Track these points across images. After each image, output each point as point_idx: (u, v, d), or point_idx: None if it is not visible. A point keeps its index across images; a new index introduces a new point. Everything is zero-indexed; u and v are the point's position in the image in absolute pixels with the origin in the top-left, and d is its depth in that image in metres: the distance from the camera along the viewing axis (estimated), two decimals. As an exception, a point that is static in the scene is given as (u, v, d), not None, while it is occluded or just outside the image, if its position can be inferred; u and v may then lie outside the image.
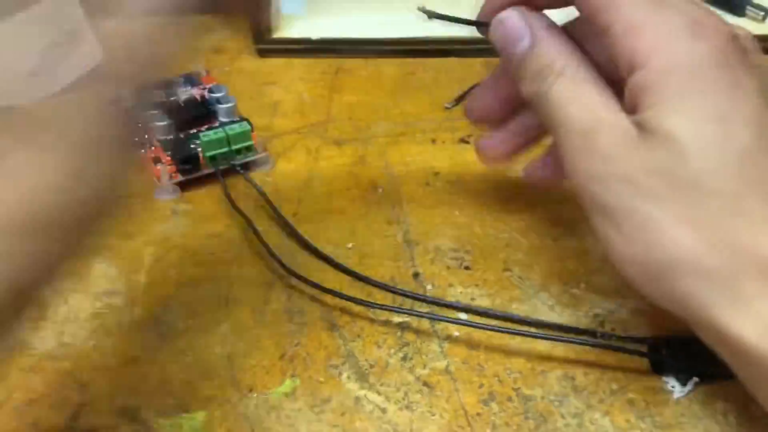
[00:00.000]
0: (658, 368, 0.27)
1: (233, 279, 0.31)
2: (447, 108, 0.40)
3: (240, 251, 0.32)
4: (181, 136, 0.36)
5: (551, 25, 0.25)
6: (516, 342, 0.28)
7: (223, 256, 0.32)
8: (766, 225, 0.21)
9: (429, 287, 0.30)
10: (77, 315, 0.29)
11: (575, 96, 0.24)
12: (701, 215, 0.21)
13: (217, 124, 0.37)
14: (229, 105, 0.37)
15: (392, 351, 0.28)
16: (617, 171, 0.22)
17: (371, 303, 0.29)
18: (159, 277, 0.31)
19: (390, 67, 0.44)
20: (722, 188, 0.21)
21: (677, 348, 0.27)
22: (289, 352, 0.28)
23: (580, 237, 0.32)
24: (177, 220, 0.33)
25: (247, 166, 0.36)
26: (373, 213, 0.34)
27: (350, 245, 0.32)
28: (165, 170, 0.34)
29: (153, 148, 0.36)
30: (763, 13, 0.46)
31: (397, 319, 0.29)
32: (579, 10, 0.24)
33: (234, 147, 0.35)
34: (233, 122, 0.36)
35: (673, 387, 0.26)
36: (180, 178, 0.35)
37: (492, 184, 0.35)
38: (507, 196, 0.35)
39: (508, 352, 0.28)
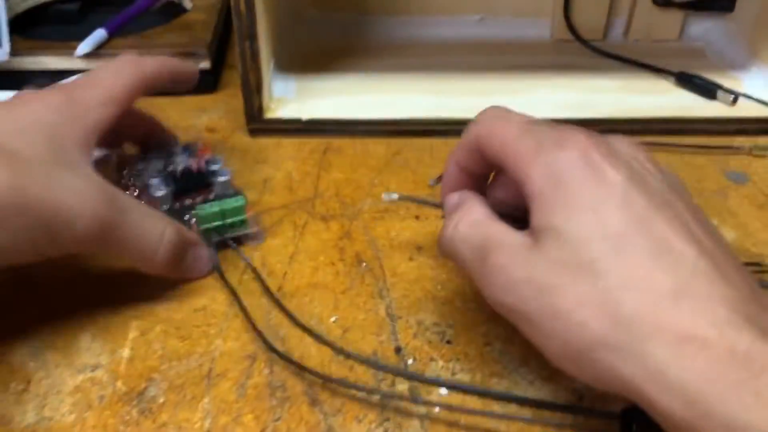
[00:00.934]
0: None
1: (217, 353, 0.31)
2: (430, 185, 0.41)
3: (224, 325, 0.32)
4: (177, 206, 0.37)
5: (475, 196, 0.30)
6: (496, 416, 0.28)
7: (207, 330, 0.32)
8: (657, 294, 0.22)
9: (410, 361, 0.31)
10: (59, 388, 0.29)
11: (476, 231, 0.27)
12: (597, 295, 0.23)
13: (212, 196, 0.37)
14: (225, 178, 0.37)
15: (373, 426, 0.28)
16: (519, 276, 0.24)
17: (351, 384, 0.29)
18: (143, 350, 0.31)
19: (377, 146, 0.45)
20: (608, 267, 0.23)
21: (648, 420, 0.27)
22: (269, 428, 0.28)
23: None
24: (164, 292, 0.34)
25: (238, 240, 0.36)
26: (357, 287, 0.34)
27: (334, 318, 0.33)
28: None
29: None
30: (733, 97, 0.48)
31: (377, 394, 0.29)
32: (489, 160, 0.29)
33: (228, 221, 0.36)
34: (228, 195, 0.37)
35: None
36: None
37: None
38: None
39: (488, 428, 0.28)
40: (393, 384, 0.30)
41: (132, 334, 0.32)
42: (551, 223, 0.24)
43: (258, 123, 0.46)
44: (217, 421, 0.28)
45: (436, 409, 0.29)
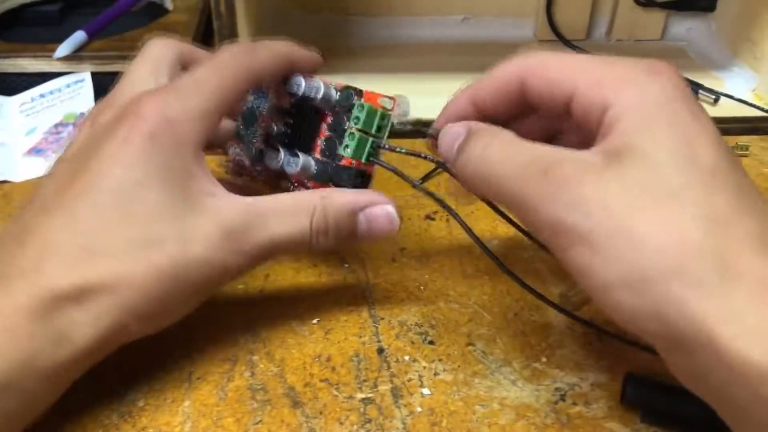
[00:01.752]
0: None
1: (197, 355, 0.31)
2: (414, 186, 0.41)
3: (204, 327, 0.32)
4: (317, 154, 0.32)
5: (495, 126, 0.27)
6: (477, 417, 0.28)
7: (187, 331, 0.32)
8: (745, 235, 0.21)
9: (393, 362, 0.30)
10: (37, 393, 0.29)
11: (519, 150, 0.25)
12: (684, 223, 0.21)
13: (331, 117, 0.32)
14: (323, 92, 0.32)
15: (355, 428, 0.28)
16: (592, 193, 0.23)
17: (334, 379, 0.29)
18: (121, 353, 0.31)
19: (360, 147, 0.45)
20: (698, 199, 0.22)
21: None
22: (250, 430, 0.28)
23: (543, 311, 0.33)
24: (143, 297, 0.33)
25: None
26: (340, 288, 0.34)
27: (315, 320, 0.32)
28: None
29: (310, 184, 0.32)
30: (714, 97, 0.48)
31: (359, 395, 0.29)
32: (538, 95, 0.26)
33: (374, 133, 0.32)
34: (342, 105, 0.32)
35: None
36: None
37: (456, 261, 0.36)
38: (471, 272, 0.35)
39: (471, 429, 0.28)
40: (375, 385, 0.29)
41: (111, 337, 0.31)
42: (641, 145, 0.23)
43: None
44: (198, 425, 0.28)
45: (419, 409, 0.28)
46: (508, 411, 0.28)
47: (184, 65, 0.32)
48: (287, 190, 0.33)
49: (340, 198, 0.29)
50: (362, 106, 0.31)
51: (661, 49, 0.55)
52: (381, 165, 0.32)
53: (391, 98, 0.31)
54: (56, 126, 0.46)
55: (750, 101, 0.48)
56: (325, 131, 0.32)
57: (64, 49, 0.48)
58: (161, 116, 0.27)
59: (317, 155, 0.32)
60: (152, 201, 0.26)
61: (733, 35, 0.53)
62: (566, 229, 0.23)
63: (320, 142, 0.32)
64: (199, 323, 0.32)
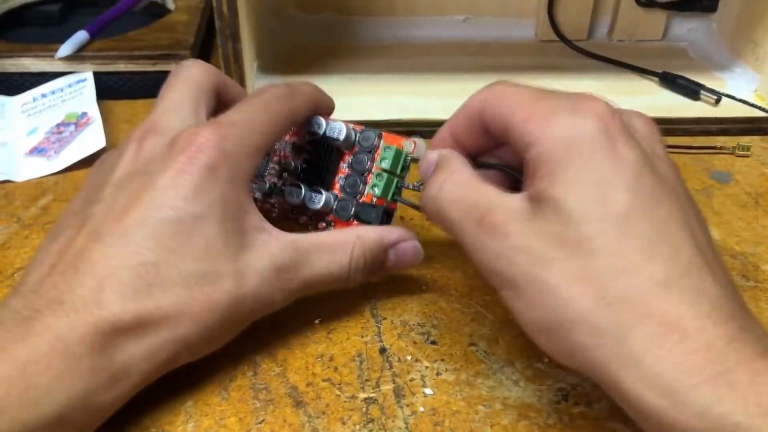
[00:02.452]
0: None
1: (199, 355, 0.31)
2: (410, 188, 0.41)
3: (207, 327, 0.32)
4: (336, 190, 0.33)
5: (457, 155, 0.29)
6: (480, 417, 0.28)
7: (190, 333, 0.32)
8: (649, 282, 0.22)
9: (395, 362, 0.30)
10: (39, 393, 0.29)
11: (465, 193, 0.27)
12: (589, 274, 0.22)
13: (350, 158, 0.33)
14: (344, 134, 0.33)
15: (357, 427, 0.28)
16: (514, 243, 0.24)
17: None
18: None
19: (361, 147, 0.45)
20: (606, 247, 0.22)
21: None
22: (253, 430, 0.28)
23: (545, 311, 0.33)
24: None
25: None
26: (342, 288, 0.34)
27: (318, 320, 0.32)
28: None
29: (333, 224, 0.33)
30: (716, 97, 0.48)
31: (362, 395, 0.29)
32: (491, 127, 0.28)
33: (398, 174, 0.33)
34: (364, 137, 0.33)
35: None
36: None
37: (459, 260, 0.36)
38: (473, 271, 0.35)
39: (474, 429, 0.28)
40: (377, 385, 0.29)
41: (113, 337, 0.31)
42: (554, 194, 0.23)
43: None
44: (201, 424, 0.28)
45: (421, 409, 0.28)
46: (510, 411, 0.28)
47: (218, 95, 0.32)
48: (304, 224, 0.34)
49: (374, 235, 0.31)
50: (389, 148, 0.32)
51: (663, 50, 0.55)
52: (404, 203, 0.33)
53: (412, 141, 0.33)
54: (58, 126, 0.46)
55: (751, 102, 0.48)
56: (344, 169, 0.33)
57: (65, 49, 0.48)
58: (219, 150, 0.27)
59: (336, 191, 0.33)
60: (210, 235, 0.27)
61: (734, 36, 0.53)
62: (495, 275, 0.25)
63: (339, 179, 0.33)
64: (201, 323, 0.32)
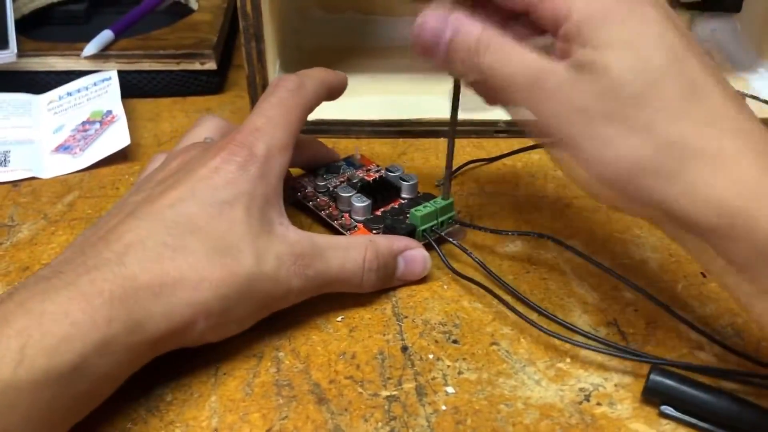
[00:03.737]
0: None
1: (223, 351, 0.31)
2: (437, 186, 0.41)
3: (231, 324, 0.32)
4: (378, 214, 0.37)
5: (467, 15, 0.28)
6: (502, 416, 0.28)
7: (214, 329, 0.32)
8: (694, 122, 0.25)
9: (417, 360, 0.31)
10: (67, 387, 0.29)
11: (509, 58, 0.27)
12: (641, 124, 0.25)
13: (403, 201, 0.38)
14: (413, 182, 0.38)
15: (379, 425, 0.28)
16: (572, 105, 0.26)
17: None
18: (150, 349, 0.31)
19: (383, 146, 0.45)
20: (651, 100, 0.25)
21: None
22: (276, 426, 0.28)
23: (567, 312, 0.33)
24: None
25: (443, 239, 0.36)
26: (356, 291, 0.34)
27: (340, 318, 0.33)
28: None
29: (357, 226, 0.36)
30: (740, 98, 0.48)
31: (384, 392, 0.29)
32: (509, 4, 0.28)
33: (440, 219, 0.36)
34: (418, 198, 0.38)
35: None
36: None
37: (479, 260, 0.36)
38: (494, 271, 0.35)
39: (496, 428, 0.28)
40: (399, 383, 0.30)
41: (139, 332, 0.32)
42: (598, 59, 0.26)
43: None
44: (224, 420, 0.28)
45: (443, 407, 0.28)
46: (532, 411, 0.28)
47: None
48: (330, 219, 0.37)
49: (384, 241, 0.34)
50: (440, 201, 0.36)
51: (686, 50, 0.55)
52: (430, 240, 0.36)
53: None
54: (83, 123, 0.46)
55: (776, 103, 0.47)
56: (391, 207, 0.38)
57: (91, 47, 0.49)
58: (249, 152, 0.31)
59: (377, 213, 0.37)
60: (234, 219, 0.29)
61: (759, 36, 0.52)
62: (555, 135, 0.27)
63: (380, 212, 0.37)
64: (225, 319, 0.32)
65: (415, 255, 0.34)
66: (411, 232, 0.35)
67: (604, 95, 0.26)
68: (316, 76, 0.35)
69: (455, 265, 0.34)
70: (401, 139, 0.46)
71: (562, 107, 0.26)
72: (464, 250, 0.35)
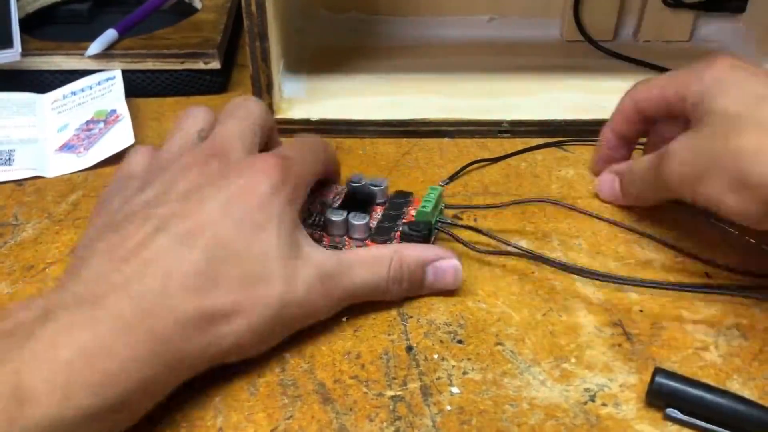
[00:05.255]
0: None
1: (228, 351, 0.31)
2: (440, 185, 0.41)
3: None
4: (372, 225, 0.36)
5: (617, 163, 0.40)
6: (507, 416, 0.28)
7: (218, 328, 0.32)
8: None
9: (422, 360, 0.31)
10: (72, 386, 0.29)
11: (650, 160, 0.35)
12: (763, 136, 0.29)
13: (384, 207, 0.37)
14: (384, 186, 0.38)
15: (384, 425, 0.28)
16: (690, 154, 0.32)
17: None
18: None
19: (387, 146, 0.45)
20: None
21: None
22: (281, 426, 0.28)
23: (571, 312, 0.33)
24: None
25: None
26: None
27: (344, 318, 0.33)
28: None
29: (366, 244, 0.35)
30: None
31: (389, 392, 0.29)
32: (649, 112, 0.37)
33: (439, 208, 0.36)
34: (395, 199, 0.38)
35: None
36: None
37: (484, 260, 0.36)
38: (499, 272, 0.35)
39: (501, 428, 0.28)
40: (404, 383, 0.30)
41: (144, 332, 0.32)
42: (705, 110, 0.32)
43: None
44: (230, 419, 0.28)
45: (448, 407, 0.28)
46: (537, 411, 0.28)
47: (263, 136, 0.35)
48: (335, 246, 0.36)
49: (412, 252, 0.33)
50: (435, 188, 0.36)
51: (690, 51, 0.55)
52: (444, 231, 0.36)
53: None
54: (87, 123, 0.46)
55: (780, 103, 0.47)
56: (375, 216, 0.37)
57: (95, 47, 0.49)
58: (281, 176, 0.30)
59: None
60: (267, 242, 0.29)
61: (763, 36, 0.52)
62: (684, 176, 0.32)
63: (373, 222, 0.37)
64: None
65: (445, 266, 0.33)
66: (430, 230, 0.35)
67: (724, 127, 0.31)
68: (333, 149, 0.39)
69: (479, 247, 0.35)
70: (405, 139, 0.46)
71: (687, 156, 0.32)
72: (480, 231, 0.36)
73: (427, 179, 0.42)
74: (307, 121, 0.46)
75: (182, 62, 0.50)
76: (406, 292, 0.33)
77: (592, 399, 0.29)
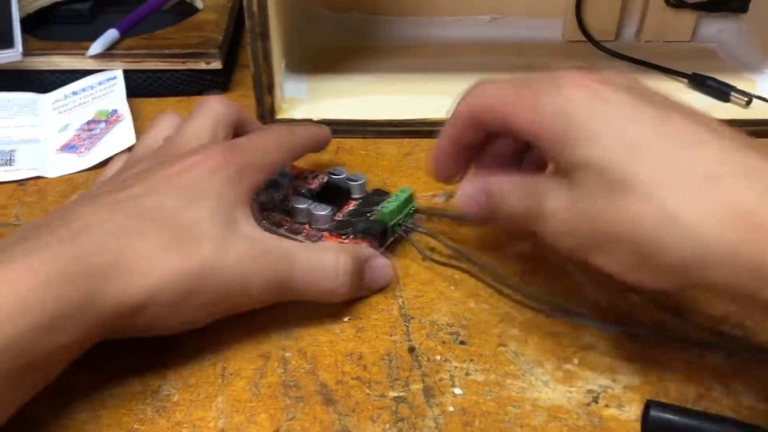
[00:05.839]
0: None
1: (230, 351, 0.31)
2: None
3: (237, 323, 0.32)
4: (342, 218, 0.36)
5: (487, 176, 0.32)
6: (510, 417, 0.28)
7: (220, 329, 0.32)
8: (694, 182, 0.24)
9: (424, 361, 0.31)
10: (74, 385, 0.29)
11: (522, 194, 0.29)
12: (641, 205, 0.24)
13: (356, 202, 0.38)
14: (362, 181, 0.38)
15: (387, 426, 0.28)
16: (569, 217, 0.27)
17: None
18: (156, 348, 0.31)
19: (388, 146, 0.45)
20: (641, 177, 0.24)
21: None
22: (283, 427, 0.28)
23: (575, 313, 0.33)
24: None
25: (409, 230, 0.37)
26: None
27: (347, 318, 0.33)
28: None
29: (323, 235, 0.35)
30: (747, 99, 0.47)
31: (392, 393, 0.29)
32: (490, 125, 0.30)
33: (403, 213, 0.36)
34: (371, 196, 0.38)
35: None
36: None
37: (488, 261, 0.36)
38: (502, 272, 0.35)
39: (503, 430, 0.28)
40: (407, 384, 0.29)
41: (145, 332, 0.32)
42: (576, 159, 0.26)
43: (270, 123, 0.46)
44: (231, 420, 0.28)
45: (451, 408, 0.28)
46: (540, 412, 0.28)
47: (237, 128, 0.37)
48: (292, 233, 0.36)
49: (353, 247, 0.34)
50: (404, 190, 0.37)
51: (692, 51, 0.55)
52: (401, 235, 0.36)
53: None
54: (89, 123, 0.46)
55: (783, 104, 0.47)
56: (346, 210, 0.37)
57: (96, 47, 0.49)
58: (222, 158, 0.31)
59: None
60: (199, 215, 0.30)
61: (765, 36, 0.52)
62: (570, 250, 0.27)
63: (341, 217, 0.37)
64: (232, 319, 0.32)
65: (380, 263, 0.34)
66: (384, 231, 0.35)
67: (598, 190, 0.26)
68: (308, 129, 0.38)
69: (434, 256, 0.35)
70: (406, 139, 0.46)
71: (563, 223, 0.27)
72: (415, 246, 0.36)
73: (429, 180, 0.42)
74: (309, 122, 0.46)
75: (183, 62, 0.50)
76: (352, 289, 0.32)
77: (596, 400, 0.29)
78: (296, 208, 0.36)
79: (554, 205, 0.27)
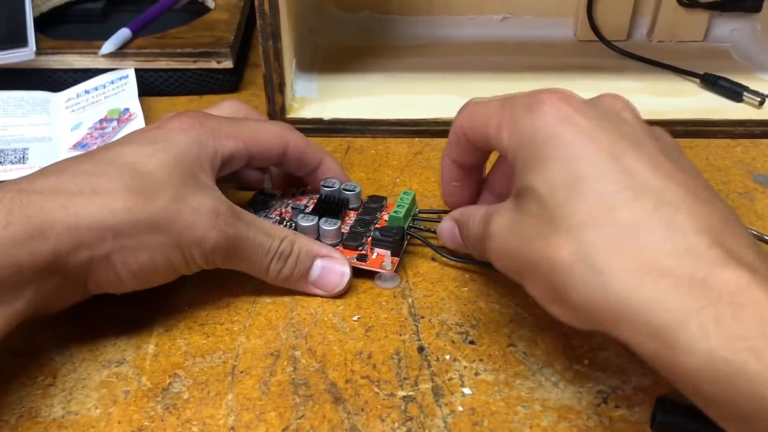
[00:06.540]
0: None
1: (240, 349, 0.31)
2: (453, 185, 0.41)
3: (248, 322, 0.32)
4: (346, 229, 0.36)
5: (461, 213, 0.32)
6: (519, 418, 0.28)
7: (231, 327, 0.32)
8: (616, 230, 0.23)
9: (434, 361, 0.31)
10: (85, 383, 0.30)
11: (475, 213, 0.30)
12: (565, 240, 0.24)
13: (357, 212, 0.37)
14: (358, 190, 0.37)
15: (396, 425, 0.28)
16: (508, 240, 0.27)
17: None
18: (167, 346, 0.31)
19: (399, 145, 0.45)
20: (569, 212, 0.24)
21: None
22: (293, 425, 0.28)
23: (584, 313, 0.33)
24: (186, 289, 0.34)
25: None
26: (379, 286, 0.34)
27: (356, 317, 0.33)
28: (389, 260, 0.34)
29: (339, 247, 0.35)
30: (760, 99, 0.47)
31: (401, 393, 0.29)
32: (478, 144, 0.31)
33: (410, 216, 0.36)
34: (368, 204, 0.37)
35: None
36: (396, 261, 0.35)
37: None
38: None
39: (513, 430, 0.28)
40: (416, 384, 0.29)
41: (157, 329, 0.32)
42: (526, 184, 0.26)
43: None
44: (241, 418, 0.28)
45: (460, 408, 0.28)
46: (550, 413, 0.28)
47: None
48: None
49: (307, 240, 0.33)
50: (408, 192, 0.37)
51: (704, 51, 0.55)
52: (416, 236, 0.37)
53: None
54: (101, 121, 0.47)
55: (796, 104, 0.47)
56: (348, 221, 0.37)
57: (108, 46, 0.49)
58: (194, 122, 0.32)
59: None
60: (163, 163, 0.30)
61: (778, 37, 0.52)
62: (508, 270, 0.28)
63: (347, 230, 0.36)
64: (242, 318, 0.33)
65: (333, 266, 0.33)
66: (402, 236, 0.35)
67: (536, 219, 0.25)
68: (308, 142, 0.37)
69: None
70: (417, 139, 0.46)
71: (503, 245, 0.28)
72: (427, 243, 0.36)
73: (439, 179, 0.42)
74: (319, 121, 0.46)
75: (195, 61, 0.50)
76: (286, 275, 0.32)
77: (605, 401, 0.29)
78: (302, 226, 0.34)
79: (498, 224, 0.27)
